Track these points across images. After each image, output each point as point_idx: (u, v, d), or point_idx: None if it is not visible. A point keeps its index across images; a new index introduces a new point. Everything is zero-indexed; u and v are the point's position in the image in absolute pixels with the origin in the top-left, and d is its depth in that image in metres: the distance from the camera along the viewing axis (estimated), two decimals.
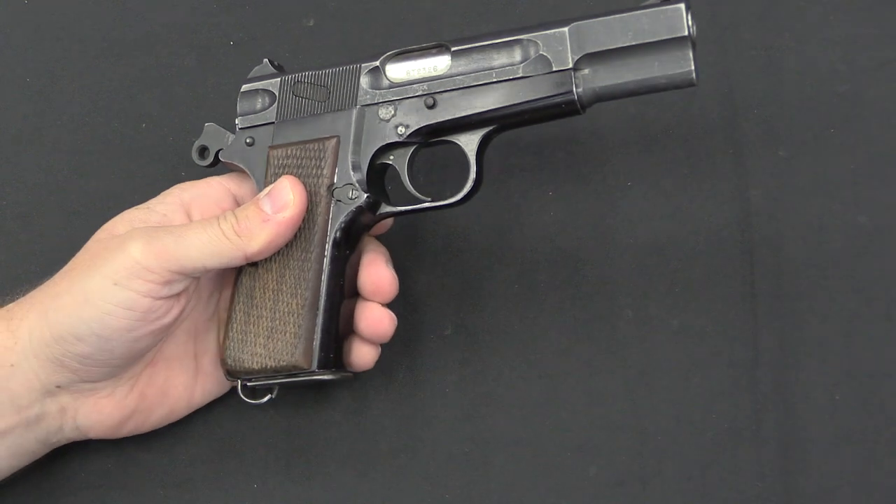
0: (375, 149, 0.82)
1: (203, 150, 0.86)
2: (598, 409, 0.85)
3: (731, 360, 0.84)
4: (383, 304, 0.82)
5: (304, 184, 0.81)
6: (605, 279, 0.87)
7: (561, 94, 0.78)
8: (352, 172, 0.81)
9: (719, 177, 0.87)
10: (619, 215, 0.88)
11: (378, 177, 0.84)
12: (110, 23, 0.99)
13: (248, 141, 0.85)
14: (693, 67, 0.76)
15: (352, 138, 0.82)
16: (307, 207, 0.81)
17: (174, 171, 0.93)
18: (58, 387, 0.80)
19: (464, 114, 0.80)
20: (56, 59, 0.99)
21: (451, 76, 0.80)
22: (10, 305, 0.81)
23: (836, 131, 0.87)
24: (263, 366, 0.81)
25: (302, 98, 0.84)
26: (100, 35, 0.99)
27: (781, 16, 0.89)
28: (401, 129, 0.81)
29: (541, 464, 0.84)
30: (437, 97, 0.81)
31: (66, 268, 0.81)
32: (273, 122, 0.84)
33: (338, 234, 0.81)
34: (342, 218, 0.81)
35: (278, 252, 0.81)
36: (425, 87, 0.81)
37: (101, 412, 0.82)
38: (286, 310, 0.81)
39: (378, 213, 0.82)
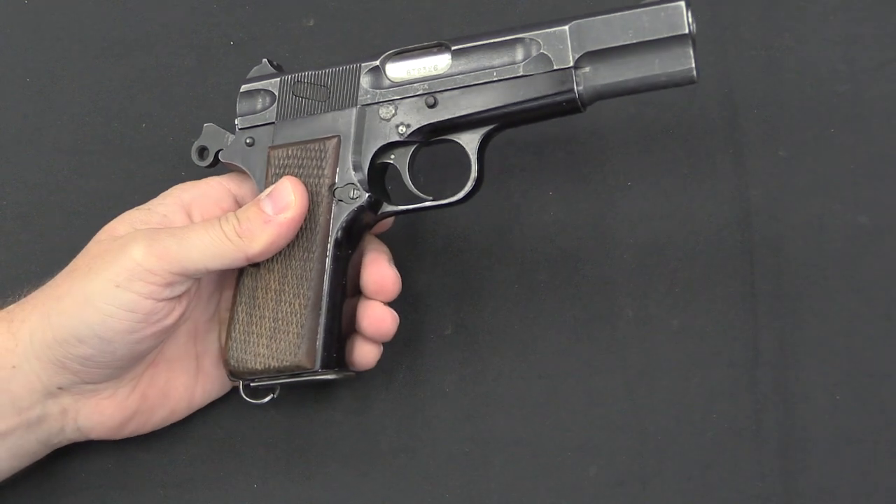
0: (376, 148, 0.82)
1: (202, 151, 0.86)
2: (598, 409, 0.85)
3: (731, 360, 0.84)
4: (386, 303, 0.82)
5: (305, 184, 0.81)
6: (604, 279, 0.87)
7: (562, 92, 0.78)
8: (353, 172, 0.81)
9: (719, 177, 0.87)
10: (619, 215, 0.88)
11: (379, 176, 0.84)
12: (110, 23, 0.99)
13: (247, 141, 0.85)
14: (693, 65, 0.76)
15: (352, 138, 0.82)
16: (308, 208, 0.81)
17: (174, 171, 0.93)
18: (59, 388, 0.80)
19: (464, 113, 0.80)
20: (56, 59, 0.99)
21: (452, 75, 0.80)
22: (11, 307, 0.81)
23: (836, 131, 0.87)
24: (267, 366, 0.81)
25: (302, 98, 0.84)
26: (100, 35, 0.99)
27: (781, 16, 0.90)
28: (401, 129, 0.81)
29: (541, 464, 0.84)
30: (438, 96, 0.81)
31: (66, 269, 0.81)
32: (273, 123, 0.84)
33: (339, 233, 0.81)
34: (344, 218, 0.81)
35: (280, 252, 0.81)
36: (426, 86, 0.81)
37: (102, 413, 0.82)
38: (289, 310, 0.81)
39: (379, 212, 0.82)
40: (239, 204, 0.85)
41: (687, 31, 0.76)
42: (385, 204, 0.83)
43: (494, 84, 0.80)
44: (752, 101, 0.88)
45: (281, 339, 0.80)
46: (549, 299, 0.87)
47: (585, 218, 0.88)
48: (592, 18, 0.78)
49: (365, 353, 0.83)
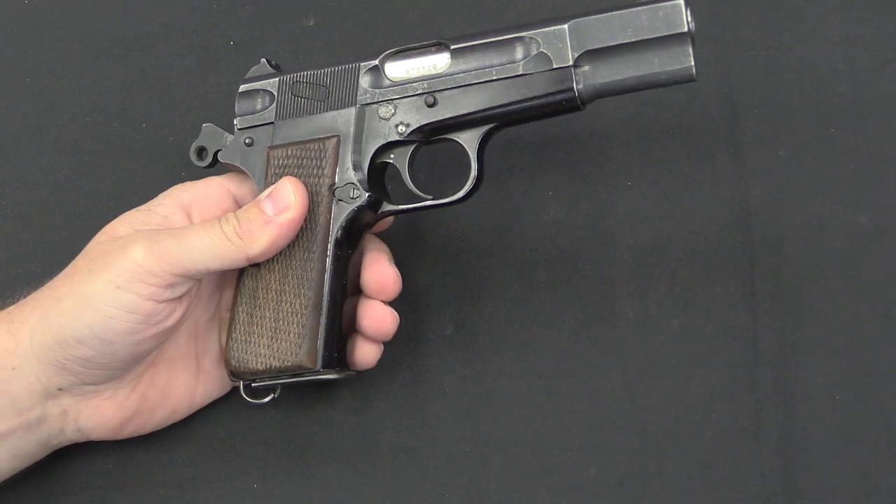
0: (376, 148, 0.82)
1: (201, 151, 0.86)
2: (598, 409, 0.85)
3: (731, 360, 0.84)
4: (386, 302, 0.82)
5: (305, 184, 0.81)
6: (604, 279, 0.87)
7: (561, 90, 0.78)
8: (353, 172, 0.81)
9: (719, 177, 0.87)
10: (619, 215, 0.88)
11: (379, 175, 0.84)
12: (110, 23, 0.99)
13: (247, 141, 0.85)
14: (693, 63, 0.76)
15: (352, 137, 0.82)
16: (308, 208, 0.81)
17: (174, 171, 0.93)
18: (59, 389, 0.80)
19: (464, 111, 0.80)
20: (56, 59, 0.99)
21: (451, 74, 0.80)
22: (11, 308, 0.81)
23: (836, 131, 0.87)
24: (268, 366, 0.81)
25: (301, 98, 0.84)
26: (100, 35, 0.99)
27: (781, 16, 0.90)
28: (401, 128, 0.81)
29: (541, 464, 0.84)
30: (438, 95, 0.81)
31: (66, 270, 0.81)
32: (272, 123, 0.84)
33: (339, 233, 0.81)
34: (344, 217, 0.81)
35: (280, 252, 0.81)
36: (425, 85, 0.81)
37: (102, 414, 0.82)
38: (289, 310, 0.81)
39: (379, 211, 0.82)
40: (238, 204, 0.85)
41: (685, 29, 0.76)
42: (385, 203, 0.83)
43: (494, 83, 0.80)
44: (752, 101, 0.88)
45: (282, 339, 0.80)
46: (549, 299, 0.87)
47: (585, 218, 0.88)
48: (591, 17, 0.78)
49: (366, 353, 0.83)
